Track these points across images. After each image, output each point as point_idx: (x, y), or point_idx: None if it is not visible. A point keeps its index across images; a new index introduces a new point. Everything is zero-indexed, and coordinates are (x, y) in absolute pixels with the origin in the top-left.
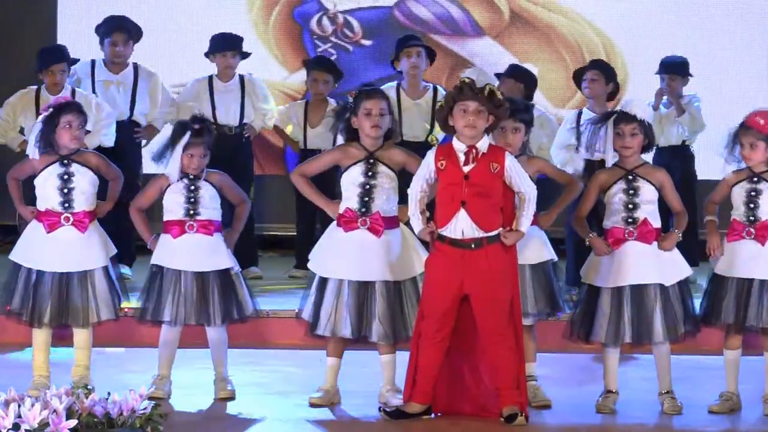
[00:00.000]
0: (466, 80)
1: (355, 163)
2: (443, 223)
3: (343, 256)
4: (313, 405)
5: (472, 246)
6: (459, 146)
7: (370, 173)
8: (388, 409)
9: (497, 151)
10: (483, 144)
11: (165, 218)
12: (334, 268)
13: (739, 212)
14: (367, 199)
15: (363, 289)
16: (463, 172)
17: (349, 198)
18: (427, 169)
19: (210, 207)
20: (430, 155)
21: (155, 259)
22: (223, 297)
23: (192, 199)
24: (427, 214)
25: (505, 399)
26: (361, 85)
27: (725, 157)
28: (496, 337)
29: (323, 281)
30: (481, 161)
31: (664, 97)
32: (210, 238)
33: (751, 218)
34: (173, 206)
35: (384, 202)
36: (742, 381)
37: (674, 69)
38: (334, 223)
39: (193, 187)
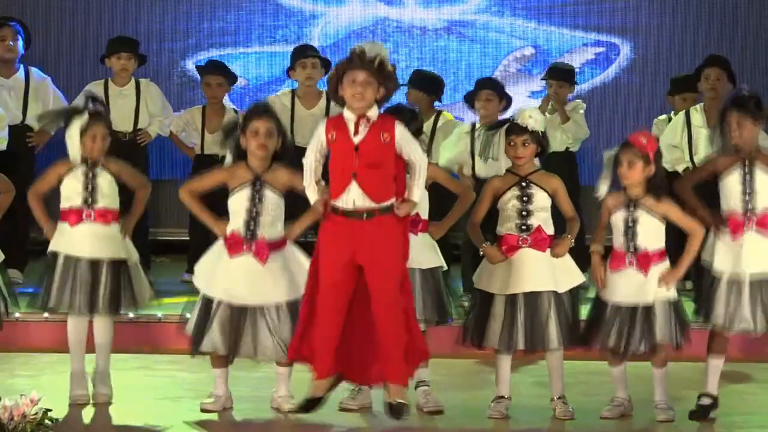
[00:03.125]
0: (357, 49)
1: (241, 186)
2: (336, 195)
3: (229, 279)
4: (204, 410)
5: (364, 216)
6: (349, 116)
7: (256, 198)
8: (294, 407)
9: (387, 120)
10: (373, 113)
11: (62, 206)
12: (219, 290)
13: (619, 242)
14: (252, 225)
15: (250, 312)
16: (353, 143)
17: (236, 222)
18: (318, 140)
19: (108, 195)
20: (321, 127)
21: (53, 246)
22: (114, 287)
23: (90, 187)
24: (323, 183)
25: (393, 372)
26: (253, 104)
27: (605, 179)
28: (389, 307)
29: (208, 300)
30: (371, 132)
31: (549, 104)
32: (107, 227)
33: (632, 248)
34: (71, 194)
35: (270, 226)
36: (635, 386)
37: (563, 76)
38: (222, 239)
39: (91, 175)
